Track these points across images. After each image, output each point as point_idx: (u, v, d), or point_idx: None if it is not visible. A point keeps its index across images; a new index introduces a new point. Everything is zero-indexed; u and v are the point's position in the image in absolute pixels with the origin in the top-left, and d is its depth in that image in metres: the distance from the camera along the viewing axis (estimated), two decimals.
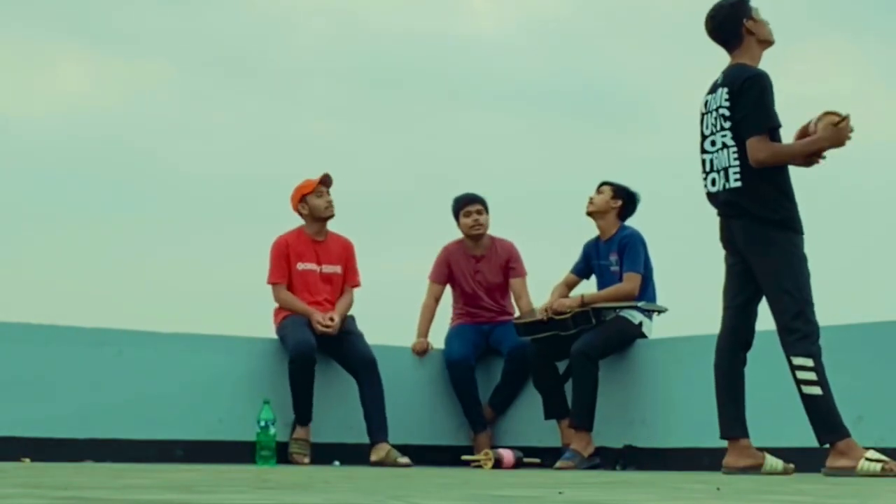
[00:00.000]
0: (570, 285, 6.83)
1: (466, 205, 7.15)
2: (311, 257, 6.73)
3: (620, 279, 6.57)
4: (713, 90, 5.35)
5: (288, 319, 6.63)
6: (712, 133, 5.30)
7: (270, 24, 12.35)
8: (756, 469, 5.20)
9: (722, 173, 5.26)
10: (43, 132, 11.65)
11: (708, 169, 5.32)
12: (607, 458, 6.47)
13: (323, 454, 6.55)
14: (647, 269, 6.63)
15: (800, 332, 5.07)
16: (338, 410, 6.68)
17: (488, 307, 7.20)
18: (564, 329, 6.50)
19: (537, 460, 6.58)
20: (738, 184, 5.20)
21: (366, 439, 6.49)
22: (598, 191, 6.70)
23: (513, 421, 7.15)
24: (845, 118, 5.15)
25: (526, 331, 6.70)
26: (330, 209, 6.72)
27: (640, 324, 6.59)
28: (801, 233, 5.20)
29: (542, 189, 11.29)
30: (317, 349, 6.48)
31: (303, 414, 6.53)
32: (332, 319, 6.56)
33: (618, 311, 6.56)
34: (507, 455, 6.39)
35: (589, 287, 6.82)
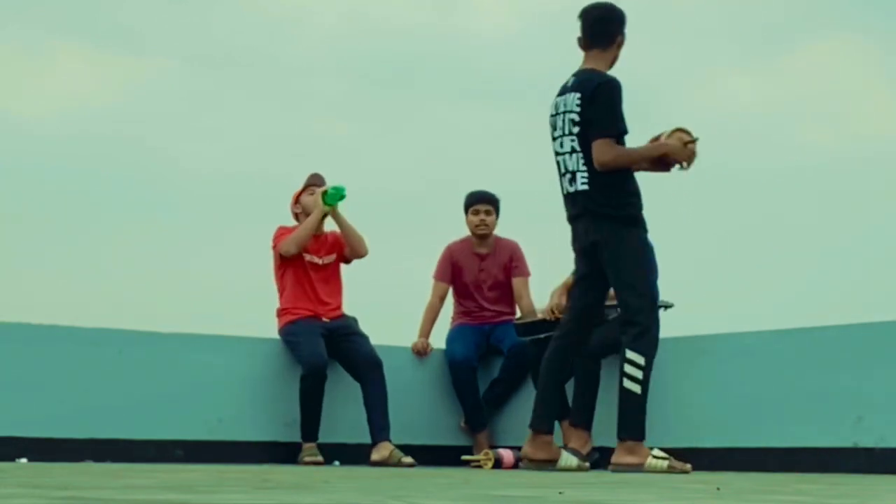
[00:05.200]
0: (570, 287, 6.80)
1: (476, 203, 7.14)
2: (312, 249, 6.74)
3: None
4: (563, 92, 5.52)
5: (297, 325, 6.61)
6: (561, 135, 5.46)
7: (275, 22, 12.35)
8: (553, 463, 5.57)
9: (569, 176, 5.46)
10: (45, 130, 11.66)
11: (561, 171, 5.49)
12: (608, 459, 6.46)
13: (323, 454, 6.54)
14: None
15: (640, 326, 5.30)
16: (338, 411, 6.68)
17: (490, 307, 7.19)
18: None
19: None
20: (585, 186, 5.40)
21: (366, 439, 6.49)
22: None
23: (513, 421, 7.14)
24: (695, 140, 5.35)
25: (525, 331, 6.68)
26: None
27: None
28: (646, 231, 5.42)
29: (546, 187, 11.27)
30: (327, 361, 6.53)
31: (311, 430, 6.53)
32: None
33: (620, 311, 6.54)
34: (507, 455, 6.39)
35: None
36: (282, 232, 6.78)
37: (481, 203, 7.14)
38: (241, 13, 12.12)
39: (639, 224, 5.41)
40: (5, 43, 11.54)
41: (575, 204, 5.46)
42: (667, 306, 6.67)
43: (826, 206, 10.76)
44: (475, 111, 12.52)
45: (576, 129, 5.38)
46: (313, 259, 6.74)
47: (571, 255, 6.93)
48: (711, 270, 9.95)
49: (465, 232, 7.24)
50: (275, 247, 6.77)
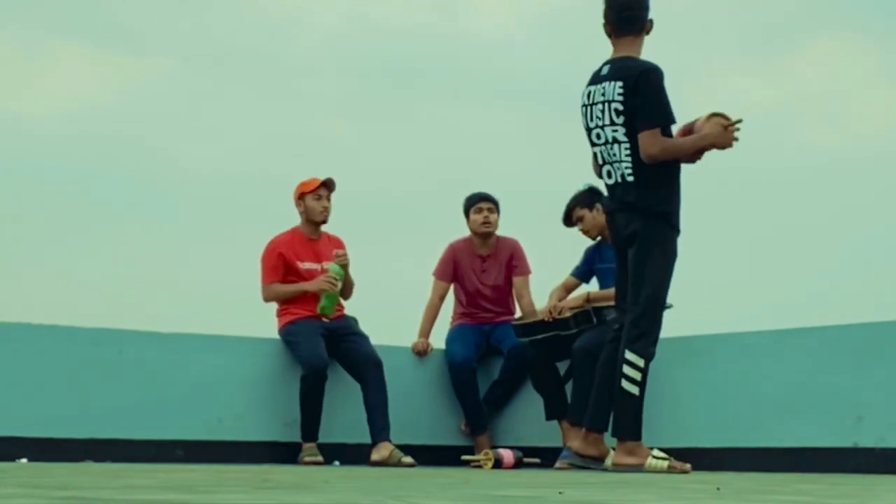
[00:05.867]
0: (568, 288, 6.80)
1: (478, 202, 7.13)
2: (310, 256, 6.73)
3: None
4: (598, 81, 5.38)
5: (297, 325, 6.61)
6: (599, 126, 5.34)
7: (275, 22, 12.35)
8: (601, 461, 5.54)
9: (616, 166, 5.34)
10: (45, 130, 11.66)
11: (601, 161, 5.38)
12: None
13: (323, 454, 6.55)
14: None
15: (642, 328, 5.27)
16: (338, 411, 6.68)
17: (491, 308, 7.18)
18: (565, 329, 6.49)
19: (537, 460, 6.58)
20: (631, 178, 5.30)
21: (366, 439, 6.49)
22: (578, 219, 6.64)
23: (513, 421, 7.14)
24: (734, 122, 5.24)
25: (524, 332, 6.67)
26: (324, 214, 6.70)
27: None
28: (679, 231, 5.35)
29: (548, 187, 11.28)
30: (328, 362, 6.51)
31: (311, 430, 6.52)
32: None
33: None
34: (507, 455, 6.39)
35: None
36: (274, 246, 6.71)
37: (484, 201, 7.13)
38: (241, 13, 12.12)
39: (675, 227, 5.33)
40: (5, 43, 11.56)
41: (616, 196, 5.36)
42: (666, 307, 6.67)
43: (826, 206, 10.77)
44: (475, 111, 12.52)
45: (620, 119, 5.25)
46: (312, 266, 6.71)
47: (572, 256, 6.96)
48: (711, 270, 9.95)
49: (465, 233, 7.23)
50: (262, 263, 6.73)
